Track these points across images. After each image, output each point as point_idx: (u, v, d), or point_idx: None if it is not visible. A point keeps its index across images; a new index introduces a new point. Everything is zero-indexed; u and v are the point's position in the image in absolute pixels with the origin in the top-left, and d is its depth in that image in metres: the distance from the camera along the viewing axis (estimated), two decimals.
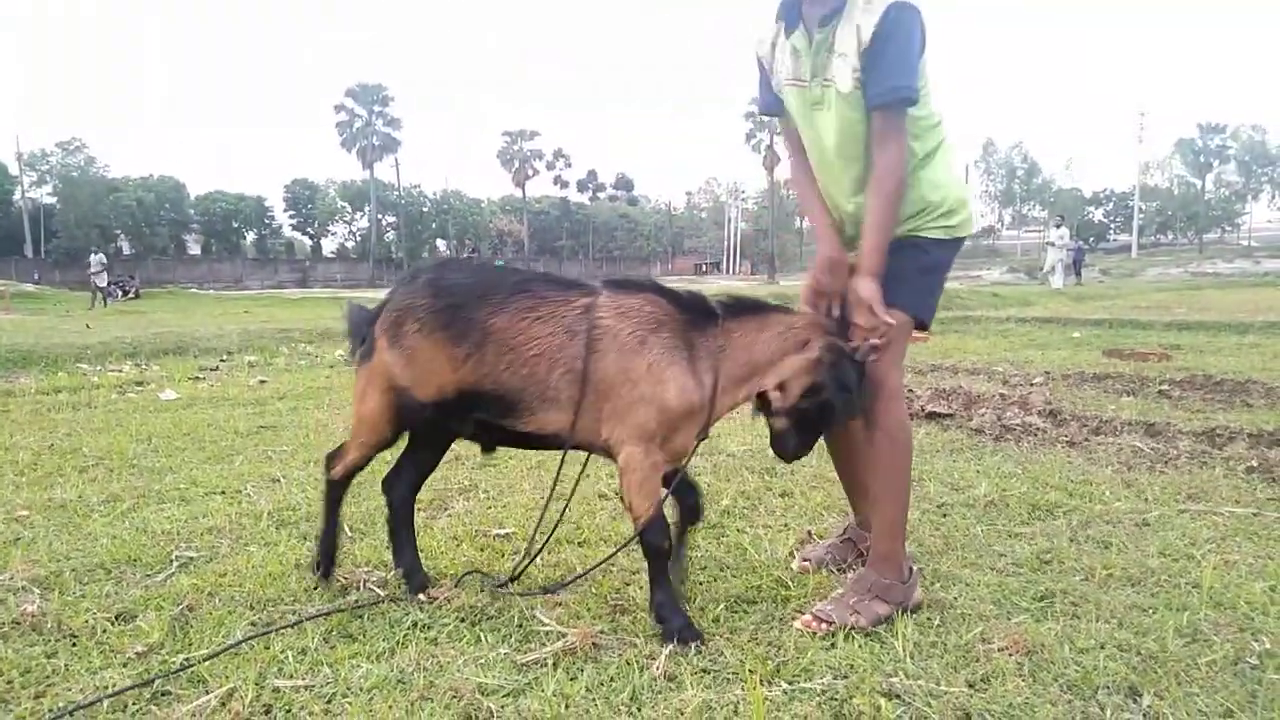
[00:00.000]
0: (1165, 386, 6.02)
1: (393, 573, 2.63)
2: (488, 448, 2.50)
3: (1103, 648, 2.05)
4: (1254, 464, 3.81)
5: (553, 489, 2.51)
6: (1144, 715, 1.76)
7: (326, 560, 2.52)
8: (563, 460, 2.35)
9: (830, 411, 2.23)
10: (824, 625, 2.17)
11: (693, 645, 2.09)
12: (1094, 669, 1.93)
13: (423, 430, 2.47)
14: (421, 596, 2.42)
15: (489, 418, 2.28)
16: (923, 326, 2.39)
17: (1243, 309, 13.57)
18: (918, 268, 2.32)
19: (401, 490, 2.56)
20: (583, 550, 2.88)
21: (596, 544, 2.94)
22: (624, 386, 2.14)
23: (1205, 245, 65.42)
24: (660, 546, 2.18)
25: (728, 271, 67.57)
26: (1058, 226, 26.69)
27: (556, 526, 2.70)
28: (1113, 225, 78.00)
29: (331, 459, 2.50)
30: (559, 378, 2.18)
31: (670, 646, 2.08)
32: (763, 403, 2.30)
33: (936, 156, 2.31)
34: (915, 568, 2.37)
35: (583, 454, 2.42)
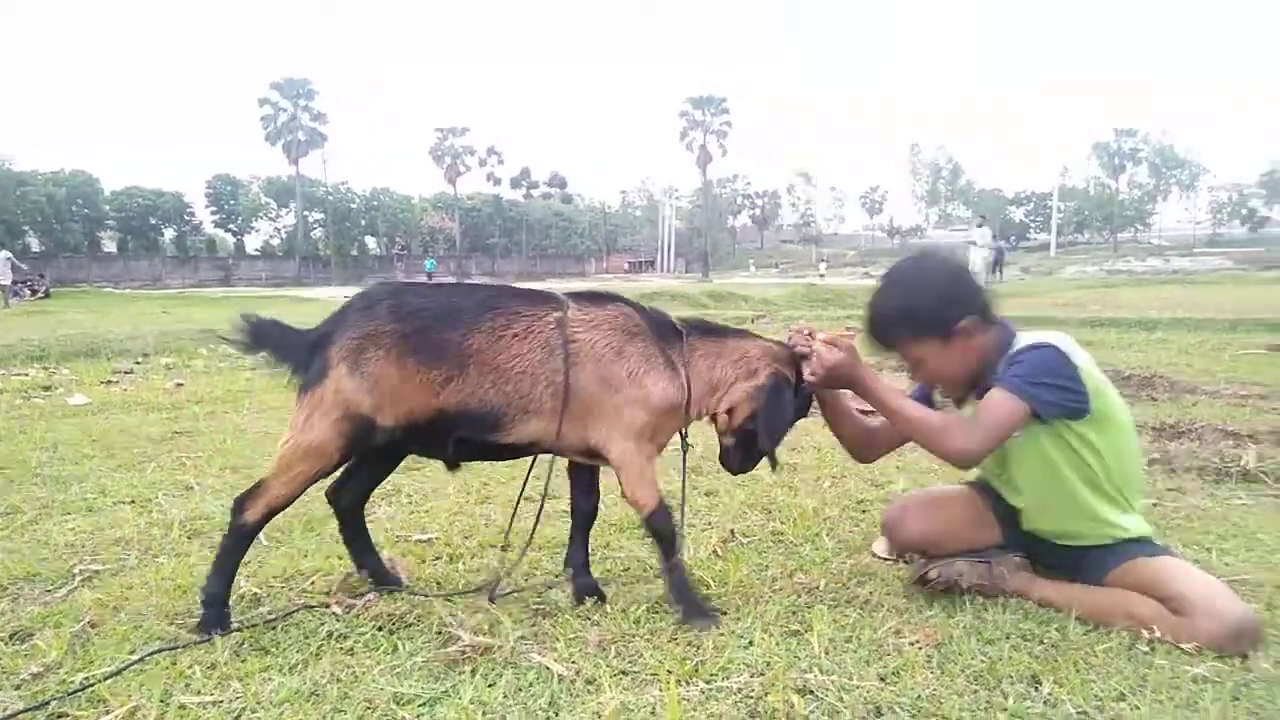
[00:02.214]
0: None
1: (310, 582, 2.58)
2: (454, 465, 2.43)
3: (1008, 638, 2.12)
4: (1155, 456, 3.99)
5: (520, 495, 2.64)
6: (1044, 702, 1.82)
7: (220, 614, 2.22)
8: (536, 466, 2.46)
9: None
10: None
11: (711, 627, 2.20)
12: (999, 659, 2.00)
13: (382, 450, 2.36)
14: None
15: (471, 435, 2.26)
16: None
17: (1152, 305, 14.19)
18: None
19: (349, 499, 2.53)
20: (507, 555, 2.85)
21: (519, 548, 2.91)
22: (607, 393, 2.26)
23: (1119, 244, 68.19)
24: (667, 531, 2.31)
25: (662, 269, 67.82)
26: (980, 226, 27.46)
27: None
28: (1033, 225, 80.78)
29: (244, 501, 2.24)
30: (541, 391, 2.24)
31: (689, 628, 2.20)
32: (715, 421, 2.45)
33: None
34: None
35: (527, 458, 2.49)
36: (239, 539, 2.28)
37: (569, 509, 2.57)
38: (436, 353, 2.20)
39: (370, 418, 2.19)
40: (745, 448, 2.44)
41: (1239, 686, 1.86)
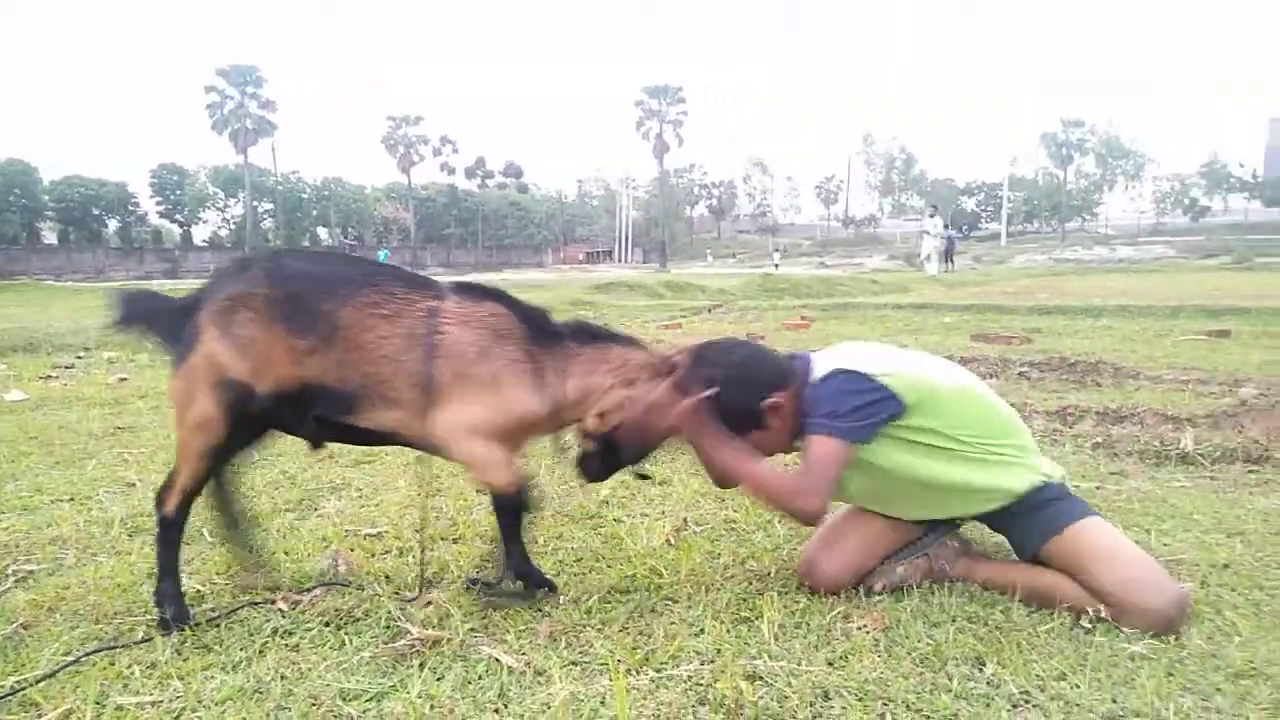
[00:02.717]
0: (1025, 369, 6.38)
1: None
2: (317, 444, 2.35)
3: (954, 621, 2.15)
4: (1099, 440, 4.09)
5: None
6: (988, 683, 1.85)
7: (178, 608, 2.19)
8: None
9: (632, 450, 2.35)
10: None
11: (547, 592, 2.33)
12: (945, 642, 2.03)
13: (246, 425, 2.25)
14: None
15: (327, 414, 2.17)
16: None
17: (1098, 293, 14.55)
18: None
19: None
20: (456, 548, 2.83)
21: (471, 540, 2.89)
22: (464, 390, 2.16)
23: (1067, 233, 69.62)
24: (517, 504, 2.26)
25: (620, 260, 67.71)
26: (932, 216, 27.87)
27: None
28: (984, 214, 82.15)
29: (161, 496, 2.22)
30: (401, 381, 2.14)
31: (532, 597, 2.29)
32: (579, 425, 2.36)
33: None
34: None
35: None
36: (165, 533, 2.23)
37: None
38: (305, 321, 2.11)
39: (248, 384, 2.11)
40: (604, 456, 2.35)
41: (1173, 663, 1.92)
